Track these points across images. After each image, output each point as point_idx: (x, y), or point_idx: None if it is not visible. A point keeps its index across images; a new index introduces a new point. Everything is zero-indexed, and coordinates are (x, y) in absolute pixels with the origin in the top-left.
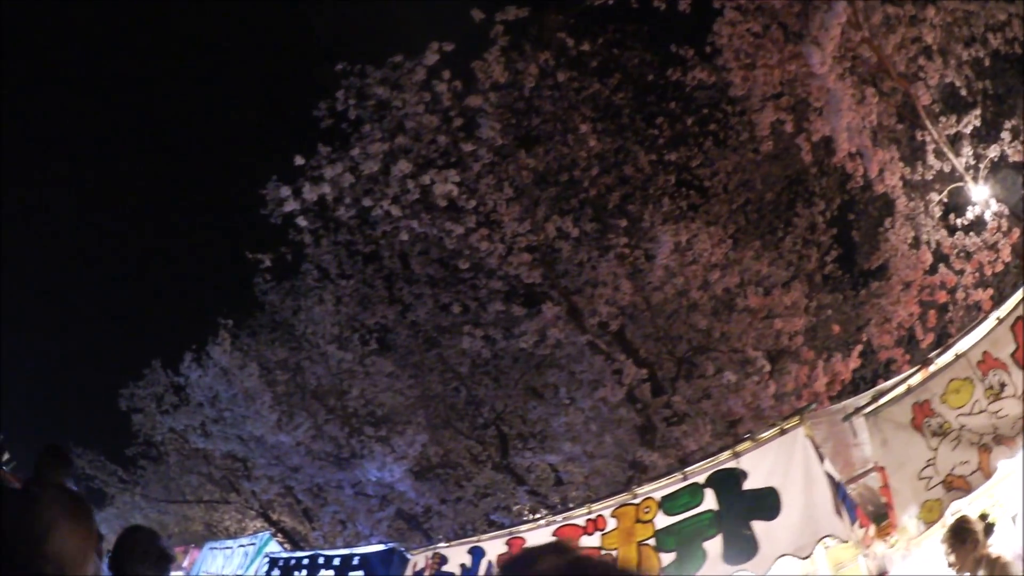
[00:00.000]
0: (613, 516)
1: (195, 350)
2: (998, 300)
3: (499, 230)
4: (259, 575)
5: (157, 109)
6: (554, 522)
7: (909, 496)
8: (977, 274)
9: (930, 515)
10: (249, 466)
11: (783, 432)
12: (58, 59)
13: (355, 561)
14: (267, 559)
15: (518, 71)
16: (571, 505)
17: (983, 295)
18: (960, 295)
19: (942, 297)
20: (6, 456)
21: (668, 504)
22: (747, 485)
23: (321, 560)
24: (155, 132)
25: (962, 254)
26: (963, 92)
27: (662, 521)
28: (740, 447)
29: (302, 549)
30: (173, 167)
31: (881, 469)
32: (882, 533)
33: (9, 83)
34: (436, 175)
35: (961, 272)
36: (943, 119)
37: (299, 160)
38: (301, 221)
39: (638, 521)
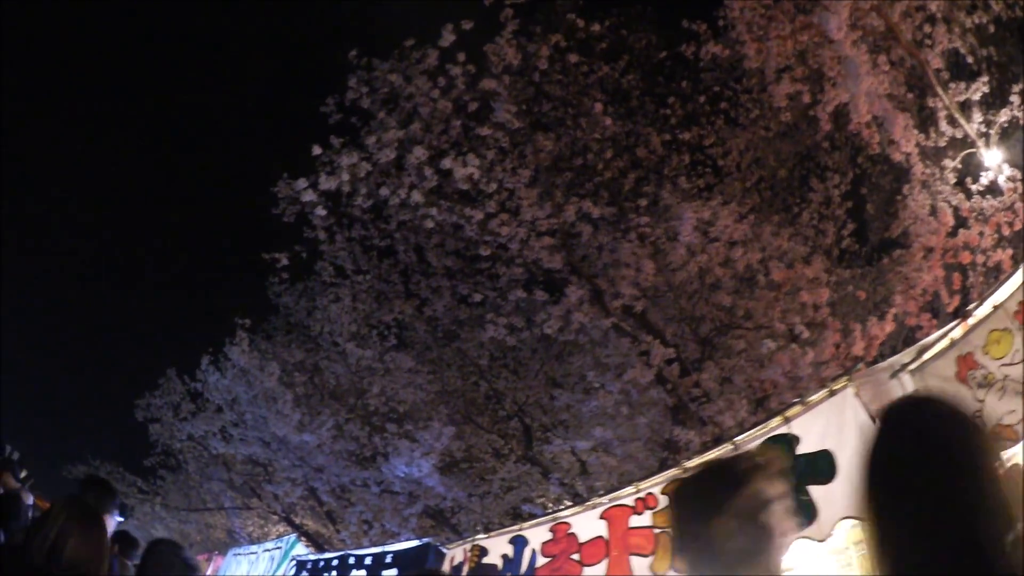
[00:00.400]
0: (664, 493)
1: (212, 352)
2: (1019, 259)
3: (518, 215)
4: None
5: (163, 111)
6: (600, 504)
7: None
8: (996, 235)
9: None
10: (270, 470)
11: (832, 393)
12: (64, 63)
13: (388, 559)
14: (294, 562)
15: (530, 54)
16: (600, 492)
17: (1003, 255)
18: (980, 258)
19: (966, 258)
20: (24, 473)
21: None
22: (800, 450)
23: (352, 560)
24: (161, 134)
25: (980, 217)
26: (969, 59)
27: None
28: (790, 412)
29: (327, 552)
30: (180, 170)
31: None
32: None
33: (16, 84)
34: (453, 161)
35: (981, 235)
36: (952, 86)
37: (317, 150)
38: (319, 211)
39: None
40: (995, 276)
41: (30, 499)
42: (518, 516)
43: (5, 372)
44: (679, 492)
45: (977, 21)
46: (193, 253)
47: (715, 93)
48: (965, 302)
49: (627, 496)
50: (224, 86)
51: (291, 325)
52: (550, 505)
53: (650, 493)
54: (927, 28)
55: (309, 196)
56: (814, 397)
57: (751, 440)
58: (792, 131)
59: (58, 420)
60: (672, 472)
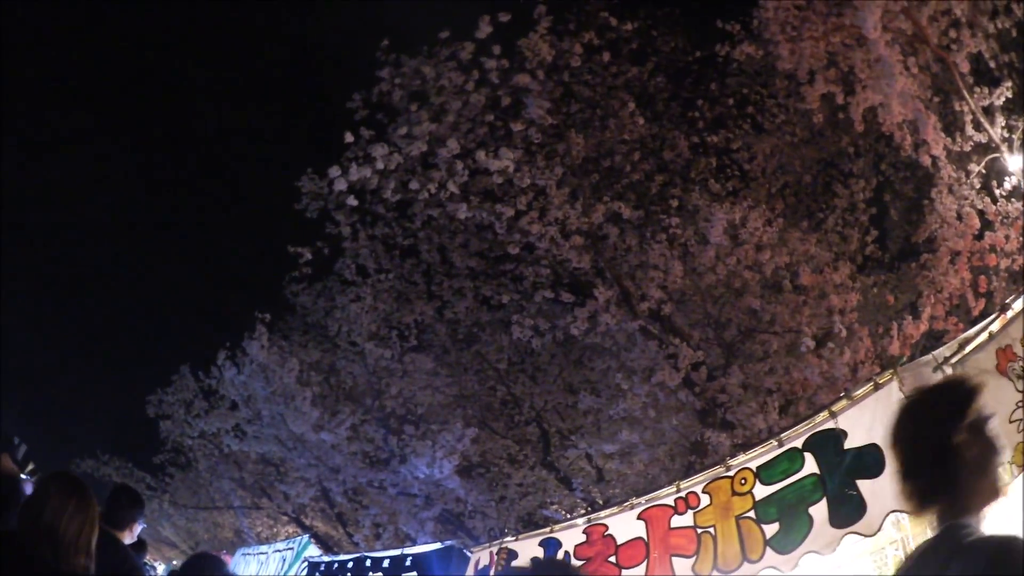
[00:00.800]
0: (705, 492)
1: (229, 348)
2: None
3: (546, 214)
4: None
5: (185, 105)
6: (638, 504)
7: (1002, 441)
8: (1021, 238)
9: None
10: (283, 469)
11: (877, 387)
12: (83, 56)
13: (407, 562)
14: (306, 563)
15: (563, 51)
16: (618, 498)
17: None
18: (1005, 262)
19: (992, 260)
20: (31, 467)
21: (765, 473)
22: (848, 444)
23: (368, 562)
24: (182, 128)
25: (1005, 220)
26: (992, 64)
27: (761, 491)
28: (836, 406)
29: (341, 554)
30: (200, 166)
31: None
32: None
33: (36, 79)
34: (486, 156)
35: (1006, 238)
36: (976, 91)
37: (349, 137)
38: (349, 202)
39: (735, 494)
40: (1015, 279)
41: (29, 489)
42: (532, 523)
43: (15, 365)
44: (912, 407)
45: (1000, 26)
46: (209, 250)
47: (742, 97)
48: (990, 305)
49: (667, 496)
50: (247, 81)
51: (308, 325)
52: (564, 512)
53: (692, 492)
54: (952, 33)
55: (341, 185)
56: (859, 391)
57: (796, 436)
58: (817, 137)
59: (68, 414)
60: (715, 471)
